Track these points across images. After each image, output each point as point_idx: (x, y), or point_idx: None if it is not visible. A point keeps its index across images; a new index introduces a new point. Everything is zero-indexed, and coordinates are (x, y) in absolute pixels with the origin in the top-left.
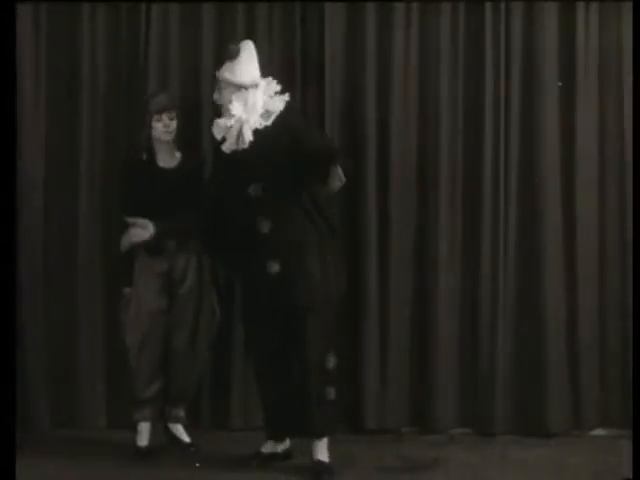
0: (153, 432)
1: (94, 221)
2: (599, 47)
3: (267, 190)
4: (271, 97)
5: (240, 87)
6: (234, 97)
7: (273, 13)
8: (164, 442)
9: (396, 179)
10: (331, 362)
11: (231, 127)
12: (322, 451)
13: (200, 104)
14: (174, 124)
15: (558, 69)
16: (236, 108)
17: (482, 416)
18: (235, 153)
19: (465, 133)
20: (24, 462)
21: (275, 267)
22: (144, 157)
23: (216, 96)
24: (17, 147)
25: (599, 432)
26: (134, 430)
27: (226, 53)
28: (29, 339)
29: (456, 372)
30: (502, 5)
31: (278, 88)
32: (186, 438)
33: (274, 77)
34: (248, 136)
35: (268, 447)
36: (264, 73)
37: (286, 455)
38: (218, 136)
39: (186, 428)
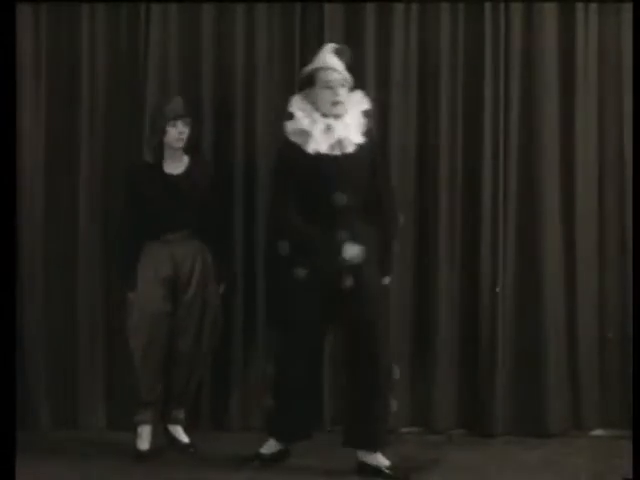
0: (153, 434)
1: (94, 221)
2: (598, 48)
3: (349, 202)
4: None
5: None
6: (348, 101)
7: (273, 13)
8: (163, 443)
9: (396, 178)
10: (396, 373)
11: (331, 129)
12: (382, 457)
13: (200, 104)
14: (187, 131)
15: (558, 69)
16: (350, 114)
17: (482, 416)
18: (324, 157)
19: (465, 133)
20: (24, 462)
21: (349, 281)
22: (150, 162)
23: (333, 96)
24: (17, 147)
25: (599, 432)
26: (134, 432)
27: (337, 50)
28: (29, 339)
29: (456, 372)
30: (501, 6)
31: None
32: (185, 439)
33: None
34: (350, 144)
35: (268, 448)
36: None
37: (284, 455)
38: (309, 130)
39: (185, 429)
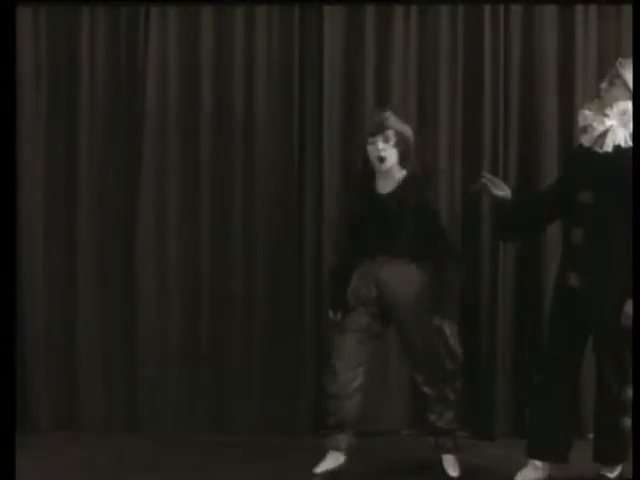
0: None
1: (94, 222)
2: (598, 48)
3: (595, 201)
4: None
5: (629, 93)
6: (623, 102)
7: (272, 14)
8: None
9: None
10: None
11: (595, 123)
12: None
13: (200, 105)
14: (390, 148)
15: (557, 70)
16: (614, 114)
17: (482, 417)
18: (590, 151)
19: (464, 133)
20: (24, 462)
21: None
22: (362, 184)
23: (604, 85)
24: (17, 147)
25: None
26: (136, 432)
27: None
28: (29, 340)
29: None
30: (501, 7)
31: None
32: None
33: None
34: (607, 146)
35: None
36: None
37: None
38: (581, 123)
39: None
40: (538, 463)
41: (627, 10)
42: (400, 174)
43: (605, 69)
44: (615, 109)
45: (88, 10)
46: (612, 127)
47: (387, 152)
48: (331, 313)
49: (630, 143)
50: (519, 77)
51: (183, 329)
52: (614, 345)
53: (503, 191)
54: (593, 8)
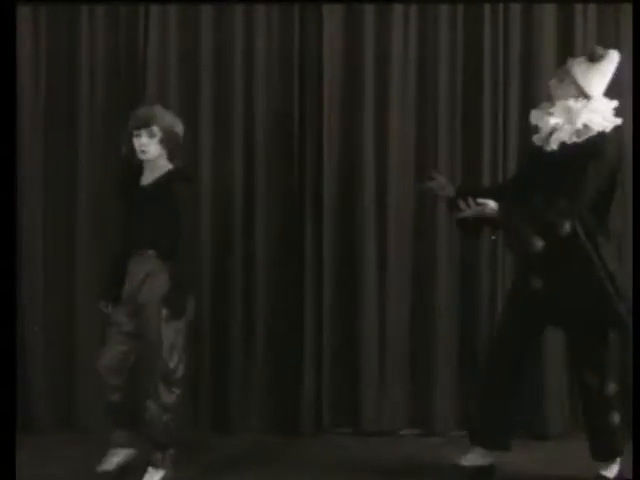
0: None
1: (93, 221)
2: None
3: (545, 202)
4: (599, 116)
5: (581, 94)
6: (570, 99)
7: (272, 14)
8: None
9: (394, 179)
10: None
11: (542, 122)
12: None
13: (199, 105)
14: (153, 143)
15: (557, 70)
16: (559, 112)
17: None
18: (540, 151)
19: (464, 133)
20: (24, 462)
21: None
22: (130, 174)
23: (553, 83)
24: (17, 147)
25: None
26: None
27: (591, 50)
28: (29, 339)
29: (456, 373)
30: (500, 7)
31: (610, 111)
32: None
33: (612, 98)
34: (553, 144)
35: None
36: (610, 92)
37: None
38: (533, 122)
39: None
40: (482, 449)
41: (627, 9)
42: (164, 169)
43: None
44: (561, 107)
45: (88, 10)
46: (558, 125)
47: (150, 147)
48: (102, 305)
49: (575, 139)
50: (519, 76)
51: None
52: (588, 344)
53: (448, 191)
54: (592, 7)
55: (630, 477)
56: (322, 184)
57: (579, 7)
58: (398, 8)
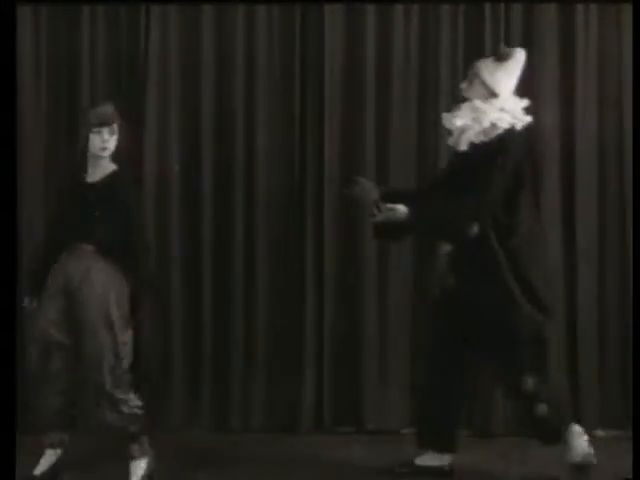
0: None
1: None
2: (598, 48)
3: (457, 204)
4: (508, 114)
5: (490, 93)
6: (479, 100)
7: (273, 13)
8: None
9: (395, 178)
10: None
11: (450, 124)
12: None
13: (200, 105)
14: (113, 140)
15: (558, 70)
16: (466, 113)
17: (482, 417)
18: (452, 152)
19: None
20: (24, 462)
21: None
22: (73, 173)
23: (464, 85)
24: (17, 147)
25: (599, 432)
26: None
27: (497, 50)
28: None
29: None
30: (502, 7)
31: (520, 109)
32: None
33: (524, 97)
34: (463, 144)
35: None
36: (520, 90)
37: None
38: (446, 126)
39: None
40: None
41: (627, 10)
42: (109, 168)
43: (605, 68)
44: (469, 108)
45: (88, 9)
46: (466, 125)
47: (110, 144)
48: (26, 300)
49: (483, 138)
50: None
51: (183, 328)
52: (498, 344)
53: (373, 195)
54: (594, 7)
55: (630, 477)
56: (324, 183)
57: (580, 7)
58: (399, 8)
